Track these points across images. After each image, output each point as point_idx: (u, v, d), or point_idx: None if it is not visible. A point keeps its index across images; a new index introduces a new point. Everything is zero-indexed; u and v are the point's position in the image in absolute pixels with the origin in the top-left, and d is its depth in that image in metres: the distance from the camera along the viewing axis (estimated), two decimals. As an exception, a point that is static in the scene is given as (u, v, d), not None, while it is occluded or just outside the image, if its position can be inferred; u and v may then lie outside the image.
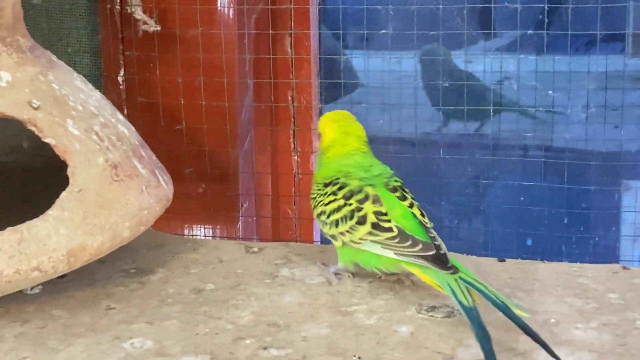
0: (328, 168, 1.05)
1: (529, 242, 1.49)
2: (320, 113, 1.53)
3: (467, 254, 1.13)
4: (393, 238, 0.95)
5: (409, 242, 0.94)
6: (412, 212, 0.97)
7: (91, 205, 0.94)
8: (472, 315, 0.85)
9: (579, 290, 1.00)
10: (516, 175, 1.49)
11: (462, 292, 0.88)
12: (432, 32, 1.29)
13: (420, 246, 0.93)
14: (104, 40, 1.38)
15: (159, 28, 1.32)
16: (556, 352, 0.84)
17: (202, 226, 1.40)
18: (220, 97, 1.33)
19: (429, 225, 0.97)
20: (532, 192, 1.43)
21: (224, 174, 1.37)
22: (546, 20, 1.31)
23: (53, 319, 0.96)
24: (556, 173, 1.43)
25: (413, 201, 0.99)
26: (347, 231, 0.98)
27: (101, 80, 1.39)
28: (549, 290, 1.00)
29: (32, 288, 1.03)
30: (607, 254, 1.62)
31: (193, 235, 1.39)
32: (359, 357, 0.86)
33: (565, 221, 1.51)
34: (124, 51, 1.36)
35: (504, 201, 1.47)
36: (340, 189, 1.00)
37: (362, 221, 0.97)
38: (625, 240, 1.62)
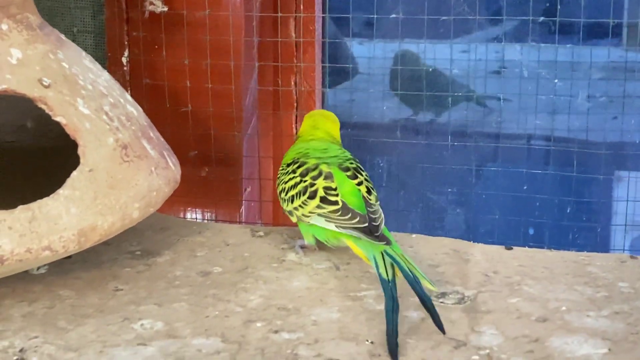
0: (291, 152, 1.13)
1: (531, 231, 1.48)
2: (324, 98, 1.52)
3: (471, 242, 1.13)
4: (336, 211, 1.01)
5: (349, 215, 1.00)
6: (359, 189, 1.03)
7: (102, 186, 0.93)
8: (387, 287, 0.90)
9: (588, 278, 1.00)
10: (517, 164, 1.49)
11: (385, 265, 0.93)
12: (443, 17, 1.28)
13: (357, 219, 0.99)
14: (109, 20, 1.36)
15: (165, 9, 1.30)
16: (569, 339, 0.85)
17: (205, 210, 1.39)
18: (227, 80, 1.32)
19: (373, 201, 1.02)
20: (532, 181, 1.43)
21: (228, 157, 1.36)
22: (553, 8, 1.31)
23: (61, 299, 0.96)
24: (556, 163, 1.44)
25: (364, 180, 1.04)
26: (300, 206, 1.04)
27: (105, 61, 1.38)
28: (559, 278, 1.00)
29: (38, 268, 1.02)
30: (602, 243, 1.62)
31: (196, 219, 1.38)
32: (371, 342, 0.86)
33: (564, 210, 1.51)
34: (128, 32, 1.34)
35: (506, 190, 1.47)
36: (299, 167, 1.07)
37: (312, 195, 1.03)
38: (619, 230, 1.62)
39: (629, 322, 0.89)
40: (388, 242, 0.96)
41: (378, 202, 1.03)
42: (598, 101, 1.41)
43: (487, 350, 0.83)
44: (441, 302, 0.94)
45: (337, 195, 1.02)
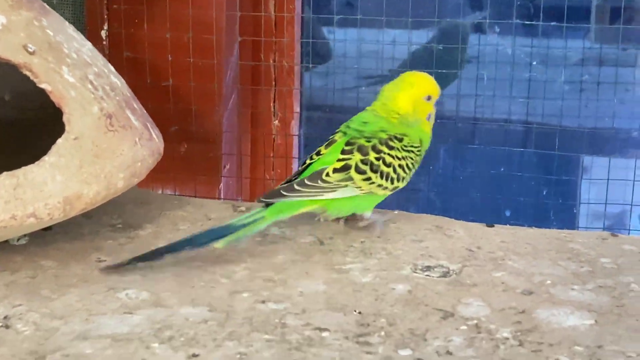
0: None
1: (508, 213, 1.49)
2: (302, 76, 1.52)
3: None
4: (296, 171, 1.07)
5: (292, 177, 1.06)
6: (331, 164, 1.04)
7: (87, 154, 0.92)
8: (229, 224, 0.98)
9: (571, 254, 1.00)
10: (494, 145, 1.49)
11: (250, 217, 0.99)
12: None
13: (284, 183, 1.05)
14: (88, -7, 1.35)
15: (148, -18, 1.30)
16: (555, 311, 0.85)
17: (184, 186, 1.38)
18: (208, 54, 1.31)
19: (330, 179, 1.03)
20: (509, 162, 1.44)
21: (208, 133, 1.35)
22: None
23: (43, 269, 0.95)
24: (532, 145, 1.44)
25: (349, 159, 1.04)
26: None
27: (83, 34, 1.36)
28: (542, 254, 1.00)
29: (18, 239, 1.01)
30: (572, 225, 1.63)
31: (175, 194, 1.37)
32: (359, 312, 0.85)
33: (539, 192, 1.53)
34: (108, 5, 1.33)
35: (483, 170, 1.48)
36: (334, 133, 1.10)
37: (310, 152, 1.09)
38: (590, 214, 1.64)
39: (614, 295, 0.89)
40: (265, 206, 1.01)
41: (345, 183, 1.03)
42: (573, 87, 1.42)
43: (475, 321, 0.83)
44: (427, 275, 0.94)
45: (312, 159, 1.06)
